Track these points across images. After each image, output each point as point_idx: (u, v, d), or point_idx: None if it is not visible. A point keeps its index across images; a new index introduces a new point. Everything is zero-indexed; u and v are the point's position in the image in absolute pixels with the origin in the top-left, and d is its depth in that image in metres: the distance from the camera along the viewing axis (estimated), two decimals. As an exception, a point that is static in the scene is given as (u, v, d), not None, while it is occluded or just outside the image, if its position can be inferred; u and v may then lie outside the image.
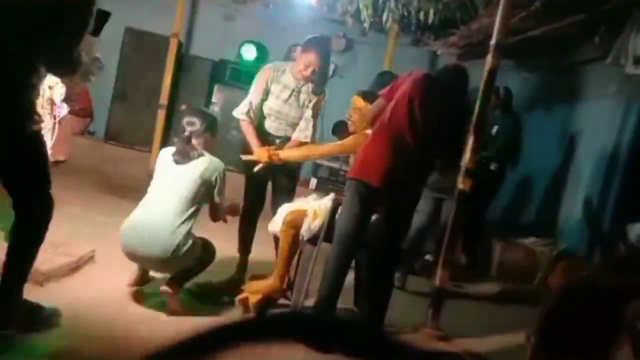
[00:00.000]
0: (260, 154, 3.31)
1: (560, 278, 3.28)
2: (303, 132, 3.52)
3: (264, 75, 3.51)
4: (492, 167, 4.78)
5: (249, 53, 6.61)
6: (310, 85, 3.51)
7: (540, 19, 4.28)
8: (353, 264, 3.43)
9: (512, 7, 3.23)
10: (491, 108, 4.83)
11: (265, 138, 3.50)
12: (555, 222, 5.64)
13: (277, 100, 3.50)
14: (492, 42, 3.14)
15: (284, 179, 3.58)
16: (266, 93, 3.49)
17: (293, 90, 3.49)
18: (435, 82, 3.08)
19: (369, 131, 3.17)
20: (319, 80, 3.51)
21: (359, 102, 3.37)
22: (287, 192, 3.55)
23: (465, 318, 3.77)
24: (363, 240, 3.11)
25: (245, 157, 3.40)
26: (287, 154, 3.37)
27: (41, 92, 2.94)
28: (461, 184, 3.19)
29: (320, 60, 3.41)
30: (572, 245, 5.11)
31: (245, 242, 3.63)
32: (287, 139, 3.53)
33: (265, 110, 3.50)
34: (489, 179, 4.86)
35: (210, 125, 3.17)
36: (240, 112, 3.50)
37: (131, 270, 3.27)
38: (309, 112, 3.53)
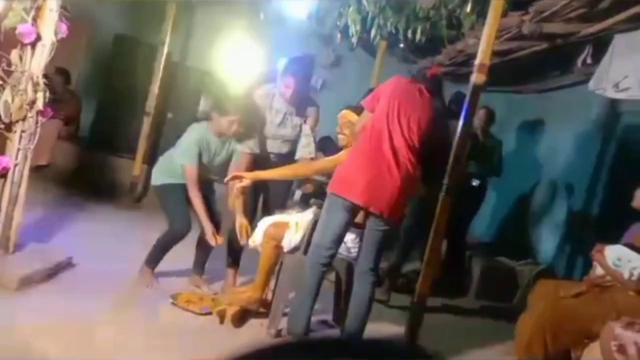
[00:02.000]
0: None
1: (539, 298, 3.29)
2: (306, 148, 3.54)
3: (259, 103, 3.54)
4: (474, 183, 4.82)
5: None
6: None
7: (525, 42, 4.36)
8: (334, 278, 3.44)
9: (497, 29, 3.28)
10: (482, 127, 4.91)
11: (267, 156, 3.55)
12: (536, 242, 5.69)
13: (271, 125, 3.53)
14: (476, 61, 3.19)
15: (276, 195, 3.62)
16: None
17: (285, 113, 3.53)
18: (414, 89, 3.02)
19: None
20: (301, 101, 3.52)
21: (351, 115, 3.28)
22: (278, 208, 3.55)
23: (445, 334, 3.77)
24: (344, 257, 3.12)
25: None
26: (275, 173, 3.32)
27: (23, 94, 2.94)
28: (442, 200, 3.20)
29: (297, 82, 3.42)
30: (552, 265, 5.16)
31: (233, 256, 3.65)
32: (280, 155, 3.55)
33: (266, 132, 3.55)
34: (471, 195, 4.89)
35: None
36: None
37: (109, 278, 3.24)
38: (306, 128, 3.56)
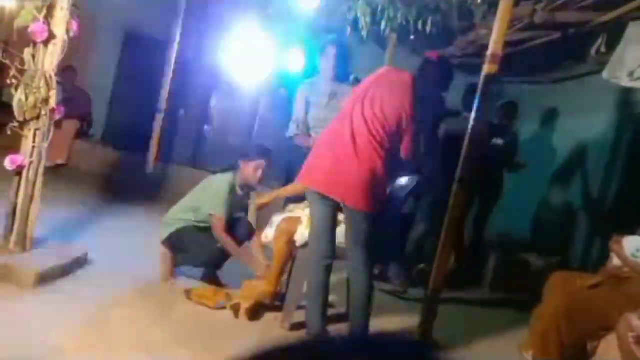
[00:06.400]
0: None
1: (554, 289, 3.27)
2: None
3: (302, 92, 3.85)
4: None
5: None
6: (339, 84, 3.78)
7: (538, 31, 4.31)
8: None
9: (510, 19, 3.24)
10: (507, 119, 4.97)
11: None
12: (550, 233, 5.64)
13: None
14: (488, 52, 3.15)
15: None
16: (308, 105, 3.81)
17: (328, 94, 3.76)
18: (397, 77, 2.98)
19: None
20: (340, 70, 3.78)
21: None
22: None
23: (459, 325, 3.77)
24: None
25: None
26: (291, 189, 3.42)
27: (37, 92, 2.96)
28: (455, 191, 3.18)
29: (336, 53, 3.74)
30: (567, 257, 5.12)
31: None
32: None
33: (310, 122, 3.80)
34: (493, 186, 4.91)
35: None
36: (291, 131, 3.84)
37: (125, 274, 3.27)
38: None
